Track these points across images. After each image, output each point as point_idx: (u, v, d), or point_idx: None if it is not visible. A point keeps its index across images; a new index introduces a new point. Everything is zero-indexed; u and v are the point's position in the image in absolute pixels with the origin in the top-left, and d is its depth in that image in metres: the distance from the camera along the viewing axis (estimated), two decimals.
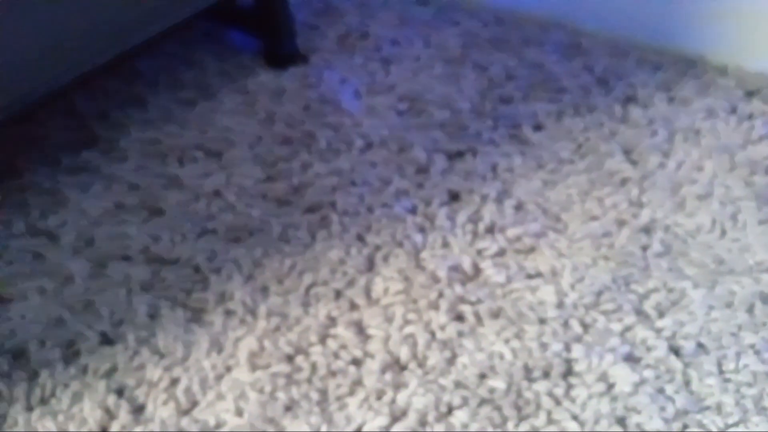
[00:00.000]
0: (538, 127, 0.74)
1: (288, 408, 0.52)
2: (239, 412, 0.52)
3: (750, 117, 0.75)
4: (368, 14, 0.92)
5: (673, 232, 0.62)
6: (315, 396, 0.52)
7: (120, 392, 0.54)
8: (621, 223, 0.63)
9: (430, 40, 0.87)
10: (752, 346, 0.53)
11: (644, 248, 0.61)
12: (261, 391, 0.53)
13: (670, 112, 0.75)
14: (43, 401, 0.54)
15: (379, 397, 0.51)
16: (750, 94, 0.78)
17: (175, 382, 0.54)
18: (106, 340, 0.58)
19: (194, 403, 0.53)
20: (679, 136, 0.72)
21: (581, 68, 0.81)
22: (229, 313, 0.59)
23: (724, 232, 0.62)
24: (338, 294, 0.59)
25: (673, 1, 0.82)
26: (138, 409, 0.53)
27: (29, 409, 0.54)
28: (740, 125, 0.74)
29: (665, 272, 0.59)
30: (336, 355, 0.55)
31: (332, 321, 0.57)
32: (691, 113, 0.75)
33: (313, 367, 0.54)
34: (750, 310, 0.56)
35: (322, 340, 0.56)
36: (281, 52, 0.86)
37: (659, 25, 0.84)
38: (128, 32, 0.73)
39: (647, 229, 0.63)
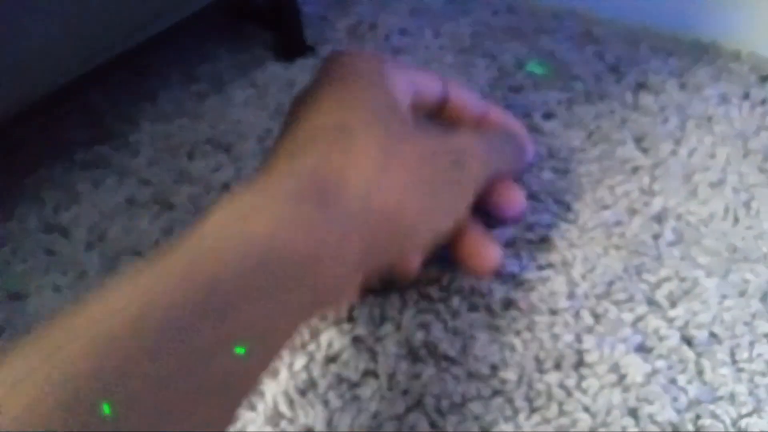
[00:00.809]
0: (548, 116, 0.74)
1: (303, 396, 0.52)
2: (251, 406, 0.52)
3: (764, 102, 0.74)
4: (379, 4, 0.92)
5: (685, 220, 0.62)
6: (327, 382, 0.52)
7: None
8: (633, 212, 0.63)
9: (440, 30, 0.87)
10: (766, 335, 0.53)
11: (656, 237, 0.60)
12: (274, 382, 0.53)
13: (682, 98, 0.74)
14: None
15: (391, 387, 0.52)
16: (764, 79, 0.77)
17: None
18: None
19: None
20: (691, 123, 0.71)
21: (593, 56, 0.81)
22: None
23: (737, 220, 0.62)
24: None
25: None
26: None
27: None
28: (753, 111, 0.73)
29: (678, 261, 0.58)
30: (352, 342, 0.55)
31: (347, 309, 0.58)
32: (703, 100, 0.74)
33: (327, 358, 0.54)
34: (764, 298, 0.55)
35: (337, 328, 0.56)
36: (289, 44, 0.86)
37: (672, 11, 0.83)
38: (141, 25, 0.73)
39: (659, 218, 0.62)
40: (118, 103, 0.80)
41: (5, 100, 0.67)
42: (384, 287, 0.57)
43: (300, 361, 0.54)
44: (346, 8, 0.92)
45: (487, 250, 0.53)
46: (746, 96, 0.74)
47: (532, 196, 0.65)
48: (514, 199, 0.56)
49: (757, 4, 0.78)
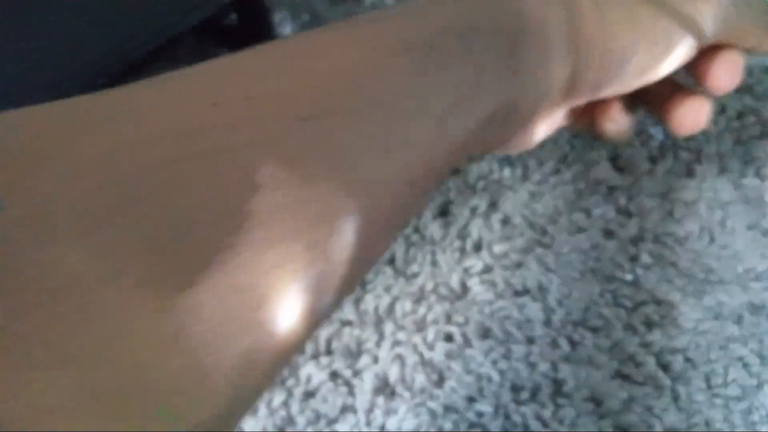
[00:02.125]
0: None
1: (282, 428, 0.52)
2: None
3: (740, 116, 0.74)
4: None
5: (661, 241, 0.62)
6: (305, 418, 0.52)
7: None
8: (609, 234, 0.63)
9: None
10: (741, 359, 0.53)
11: (632, 259, 0.61)
12: (254, 419, 0.53)
13: None
14: None
15: (368, 422, 0.52)
16: (740, 91, 0.77)
17: None
18: None
19: None
20: (667, 140, 0.71)
21: None
22: None
23: (712, 239, 0.62)
24: (328, 315, 0.60)
25: None
26: None
27: None
28: (729, 125, 0.73)
29: (654, 284, 0.58)
30: (330, 377, 0.55)
31: (324, 343, 0.58)
32: None
33: (305, 394, 0.54)
34: (738, 321, 0.55)
35: (315, 362, 0.56)
36: None
37: None
38: (116, 60, 0.73)
39: (635, 240, 0.62)
40: None
41: None
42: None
43: (279, 398, 0.54)
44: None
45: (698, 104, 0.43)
46: (723, 110, 0.75)
47: (507, 220, 0.65)
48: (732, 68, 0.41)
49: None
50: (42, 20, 0.67)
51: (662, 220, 0.64)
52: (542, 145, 0.72)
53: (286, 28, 0.93)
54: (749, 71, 0.77)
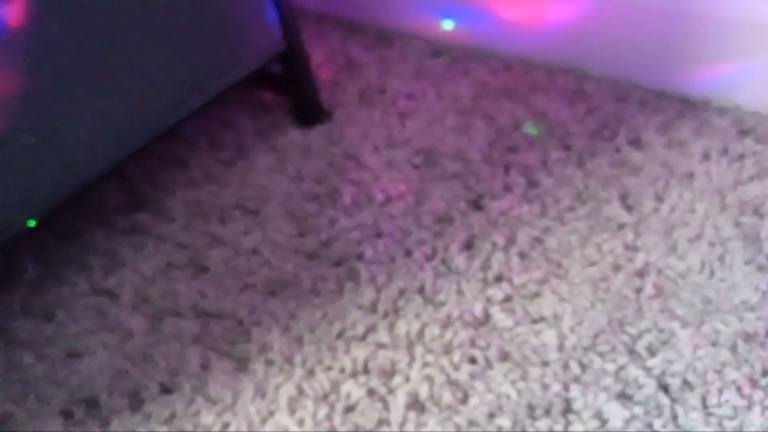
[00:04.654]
0: (542, 176, 0.81)
1: None
2: None
3: (741, 157, 0.80)
4: (386, 68, 1.00)
5: (665, 274, 0.69)
6: (346, 429, 0.60)
7: None
8: (617, 268, 0.70)
9: (442, 92, 0.94)
10: (734, 382, 0.59)
11: (638, 291, 0.67)
12: (301, 429, 0.61)
13: (667, 155, 0.81)
14: None
15: None
16: (743, 133, 0.83)
17: (226, 425, 0.63)
18: (165, 390, 0.67)
19: None
20: (673, 180, 0.78)
21: (584, 114, 0.88)
22: (269, 362, 0.67)
23: (712, 273, 0.68)
24: (364, 339, 0.67)
25: (674, 45, 0.88)
26: None
27: None
28: (731, 166, 0.79)
29: (657, 313, 0.65)
30: (367, 393, 0.62)
31: (362, 364, 0.65)
32: (687, 156, 0.80)
33: (346, 408, 0.62)
34: (733, 348, 0.62)
35: (354, 380, 0.64)
36: (307, 109, 0.94)
37: (660, 68, 0.90)
38: (174, 109, 0.82)
39: (641, 273, 0.69)
40: (152, 172, 0.89)
41: (55, 189, 0.76)
42: None
43: (323, 411, 0.62)
44: (356, 72, 1.00)
45: None
46: (725, 151, 0.81)
47: (525, 254, 0.72)
48: None
49: (744, 61, 0.84)
50: (112, 76, 0.76)
51: (666, 255, 0.70)
52: (559, 184, 0.79)
53: (324, 72, 1.02)
54: (752, 115, 0.84)
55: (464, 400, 0.61)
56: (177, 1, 0.78)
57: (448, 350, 0.65)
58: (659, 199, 0.76)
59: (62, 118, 0.73)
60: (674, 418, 0.57)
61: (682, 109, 0.86)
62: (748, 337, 0.62)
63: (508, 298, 0.68)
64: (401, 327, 0.68)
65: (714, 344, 0.62)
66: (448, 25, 1.02)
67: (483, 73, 0.96)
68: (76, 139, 0.75)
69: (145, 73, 0.78)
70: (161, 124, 0.81)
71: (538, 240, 0.73)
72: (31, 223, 0.73)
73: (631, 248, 0.71)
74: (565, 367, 0.62)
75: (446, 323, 0.67)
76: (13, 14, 0.67)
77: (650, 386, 0.59)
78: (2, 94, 0.68)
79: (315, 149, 0.89)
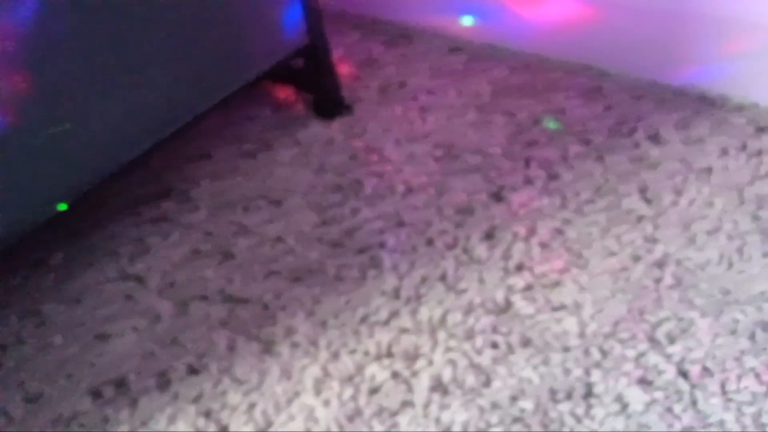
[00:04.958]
0: (561, 169, 0.82)
1: (351, 422, 0.61)
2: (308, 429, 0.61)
3: (759, 153, 0.81)
4: (406, 64, 1.01)
5: (684, 265, 0.70)
6: (371, 410, 0.61)
7: (207, 415, 0.64)
8: (636, 259, 0.71)
9: (462, 89, 0.96)
10: (752, 369, 0.60)
11: (657, 281, 0.69)
12: (327, 410, 0.62)
13: (685, 151, 0.82)
14: (144, 423, 0.65)
15: (426, 415, 0.60)
16: (761, 131, 0.84)
17: (252, 405, 0.64)
18: (193, 371, 0.68)
19: (269, 424, 0.63)
20: (692, 174, 0.79)
21: (602, 111, 0.89)
22: (294, 345, 0.68)
23: (731, 265, 0.69)
24: (387, 324, 0.69)
25: (691, 42, 0.89)
26: (223, 429, 0.63)
27: (133, 431, 0.64)
28: (749, 162, 0.80)
29: (676, 303, 0.66)
30: (391, 376, 0.64)
31: (386, 347, 0.67)
32: (705, 152, 0.82)
33: (371, 389, 0.63)
34: (752, 336, 0.63)
35: (378, 363, 0.65)
36: (328, 103, 0.96)
37: (677, 65, 0.91)
38: (198, 101, 0.84)
39: (660, 264, 0.70)
40: (177, 163, 0.91)
41: (85, 175, 0.78)
42: None
43: (348, 392, 0.63)
44: (376, 68, 1.02)
45: None
46: (743, 147, 0.82)
47: (546, 245, 0.73)
48: None
49: (762, 57, 0.85)
50: (140, 70, 0.78)
51: (685, 247, 0.71)
52: (578, 178, 0.80)
53: (344, 68, 1.04)
54: None
55: (487, 383, 0.62)
56: (208, 1, 0.80)
57: (470, 335, 0.66)
58: (678, 193, 0.77)
59: (93, 108, 0.75)
60: (693, 403, 0.59)
61: (699, 106, 0.87)
62: (767, 327, 0.63)
63: (529, 287, 0.69)
64: (424, 313, 0.69)
65: (733, 333, 0.63)
66: (467, 22, 1.04)
67: (502, 71, 0.98)
68: (105, 128, 0.77)
69: (172, 67, 0.80)
70: (187, 115, 0.83)
71: (559, 231, 0.75)
72: (62, 207, 0.75)
73: (650, 240, 0.73)
74: (586, 353, 0.63)
75: (468, 310, 0.68)
76: (49, 9, 0.69)
77: (670, 372, 0.61)
78: (38, 84, 0.70)
79: (337, 142, 0.91)
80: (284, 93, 1.00)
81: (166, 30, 0.78)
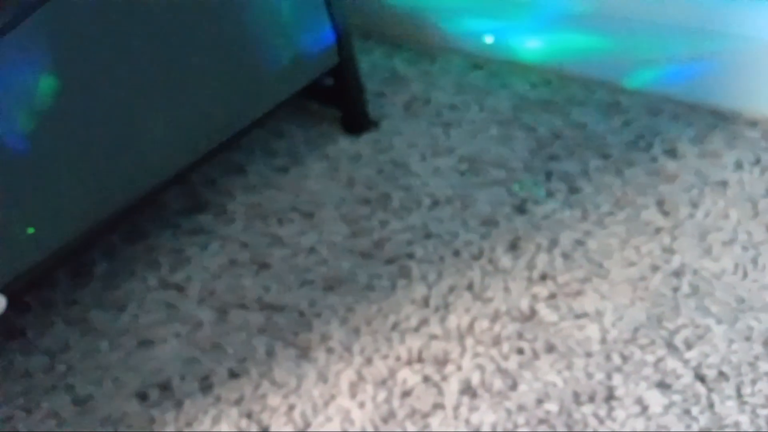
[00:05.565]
0: (582, 183, 0.86)
1: (385, 423, 0.65)
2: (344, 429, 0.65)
3: None
4: (430, 81, 1.05)
5: (700, 275, 0.73)
6: (404, 412, 0.65)
7: (249, 416, 0.68)
8: (655, 268, 0.74)
9: (484, 104, 1.00)
10: (766, 374, 0.64)
11: (675, 290, 0.72)
12: (362, 411, 0.66)
13: (701, 165, 0.85)
14: (189, 424, 0.69)
15: (456, 417, 0.64)
16: None
17: (291, 407, 0.68)
18: (233, 375, 0.72)
19: (308, 424, 0.67)
20: (707, 188, 0.82)
21: (620, 126, 0.93)
22: (329, 351, 0.72)
23: (745, 274, 0.73)
24: (417, 330, 0.72)
25: (703, 58, 0.92)
26: (265, 430, 0.67)
27: (179, 431, 0.68)
28: (763, 175, 0.84)
29: (693, 311, 0.70)
30: (422, 380, 0.67)
31: (416, 353, 0.70)
32: (720, 166, 0.85)
33: (403, 392, 0.67)
34: (765, 343, 0.66)
35: (409, 367, 0.69)
36: (355, 119, 1.00)
37: (693, 81, 0.94)
38: (237, 119, 0.88)
39: (678, 273, 0.73)
40: (212, 177, 0.95)
41: (128, 191, 0.82)
42: None
43: (382, 395, 0.67)
44: (400, 85, 1.06)
45: None
46: (757, 161, 0.85)
47: (568, 255, 0.77)
48: None
49: None
50: (183, 88, 0.82)
51: (701, 257, 0.75)
52: (598, 191, 0.84)
53: (369, 85, 1.08)
54: None
55: (514, 386, 0.65)
56: (244, 20, 0.85)
57: (497, 342, 0.69)
58: (694, 205, 0.81)
59: (139, 124, 0.80)
60: (710, 405, 0.62)
61: (713, 121, 0.91)
62: None
63: (552, 296, 0.73)
64: (452, 320, 0.73)
65: (747, 339, 0.66)
66: (488, 39, 1.07)
67: (522, 87, 1.01)
68: (150, 144, 0.81)
69: (213, 86, 0.85)
70: (226, 132, 0.88)
71: (580, 242, 0.78)
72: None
73: (668, 250, 0.76)
74: (608, 358, 0.66)
75: (495, 317, 0.72)
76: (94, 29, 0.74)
77: (688, 376, 0.64)
78: (81, 101, 0.74)
79: (364, 157, 0.95)
80: (310, 109, 1.04)
81: (207, 52, 0.83)
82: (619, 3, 0.96)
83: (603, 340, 0.68)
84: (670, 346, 0.67)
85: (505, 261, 0.78)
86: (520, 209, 0.84)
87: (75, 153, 0.75)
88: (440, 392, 0.66)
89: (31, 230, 0.72)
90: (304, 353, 0.72)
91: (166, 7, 0.78)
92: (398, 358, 0.70)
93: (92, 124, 0.76)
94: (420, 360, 0.70)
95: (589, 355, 0.67)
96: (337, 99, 1.03)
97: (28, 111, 0.71)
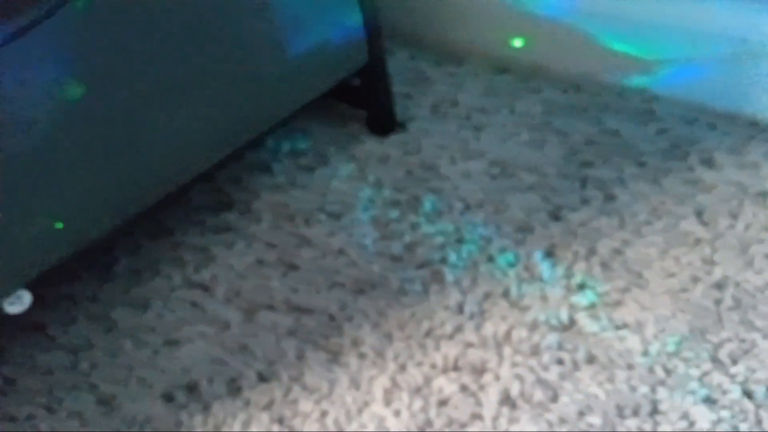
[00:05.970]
0: (618, 190, 0.84)
1: None
2: None
3: None
4: (456, 83, 1.04)
5: (743, 288, 0.71)
6: (441, 422, 0.63)
7: (281, 421, 0.66)
8: (696, 280, 0.73)
9: (514, 108, 0.98)
10: None
11: (717, 302, 0.70)
12: (398, 420, 0.64)
13: (739, 176, 0.84)
14: (217, 428, 0.67)
15: (495, 428, 0.62)
16: None
17: (324, 414, 0.66)
18: (263, 378, 0.70)
19: None
20: (747, 199, 0.81)
21: (655, 134, 0.91)
22: (362, 356, 0.70)
23: None
24: (452, 338, 0.71)
25: (741, 68, 0.91)
26: None
27: None
28: None
29: (737, 324, 0.68)
30: (459, 389, 0.65)
31: (452, 361, 0.68)
32: (759, 177, 0.83)
33: (440, 401, 0.65)
34: None
35: (445, 376, 0.67)
36: (382, 121, 0.98)
37: (728, 90, 0.92)
38: (263, 118, 0.86)
39: (719, 285, 0.72)
40: (238, 175, 0.93)
41: (155, 188, 0.80)
42: None
43: (417, 403, 0.65)
44: (427, 87, 1.04)
45: None
46: None
47: (606, 264, 0.75)
48: None
49: None
50: (211, 87, 0.80)
51: (743, 270, 0.73)
52: (635, 199, 0.82)
53: (396, 87, 1.06)
54: None
55: (554, 398, 0.64)
56: (272, 19, 0.83)
57: (535, 351, 0.68)
58: (734, 216, 0.79)
59: (166, 122, 0.78)
60: (759, 422, 0.60)
61: (751, 131, 0.89)
62: None
63: (592, 305, 0.71)
64: (488, 328, 0.71)
65: None
66: (516, 42, 1.06)
67: (553, 92, 1.00)
68: (177, 142, 0.80)
69: (240, 84, 0.83)
70: (252, 131, 0.86)
71: (618, 251, 0.76)
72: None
73: (709, 262, 0.74)
74: (651, 371, 0.65)
75: (533, 326, 0.70)
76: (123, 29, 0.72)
77: (735, 392, 0.62)
78: (109, 99, 0.72)
79: (393, 159, 0.93)
80: (335, 108, 1.02)
81: (234, 50, 0.81)
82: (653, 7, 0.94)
83: (645, 353, 0.66)
84: (715, 361, 0.65)
85: (542, 269, 0.76)
86: (555, 216, 0.82)
87: (102, 149, 0.73)
88: (478, 402, 0.64)
89: (59, 225, 0.70)
90: (335, 358, 0.71)
91: (194, 6, 0.76)
92: (433, 366, 0.68)
93: (119, 121, 0.74)
94: (456, 368, 0.68)
95: (631, 367, 0.65)
96: (364, 99, 1.01)
97: (57, 108, 0.69)
